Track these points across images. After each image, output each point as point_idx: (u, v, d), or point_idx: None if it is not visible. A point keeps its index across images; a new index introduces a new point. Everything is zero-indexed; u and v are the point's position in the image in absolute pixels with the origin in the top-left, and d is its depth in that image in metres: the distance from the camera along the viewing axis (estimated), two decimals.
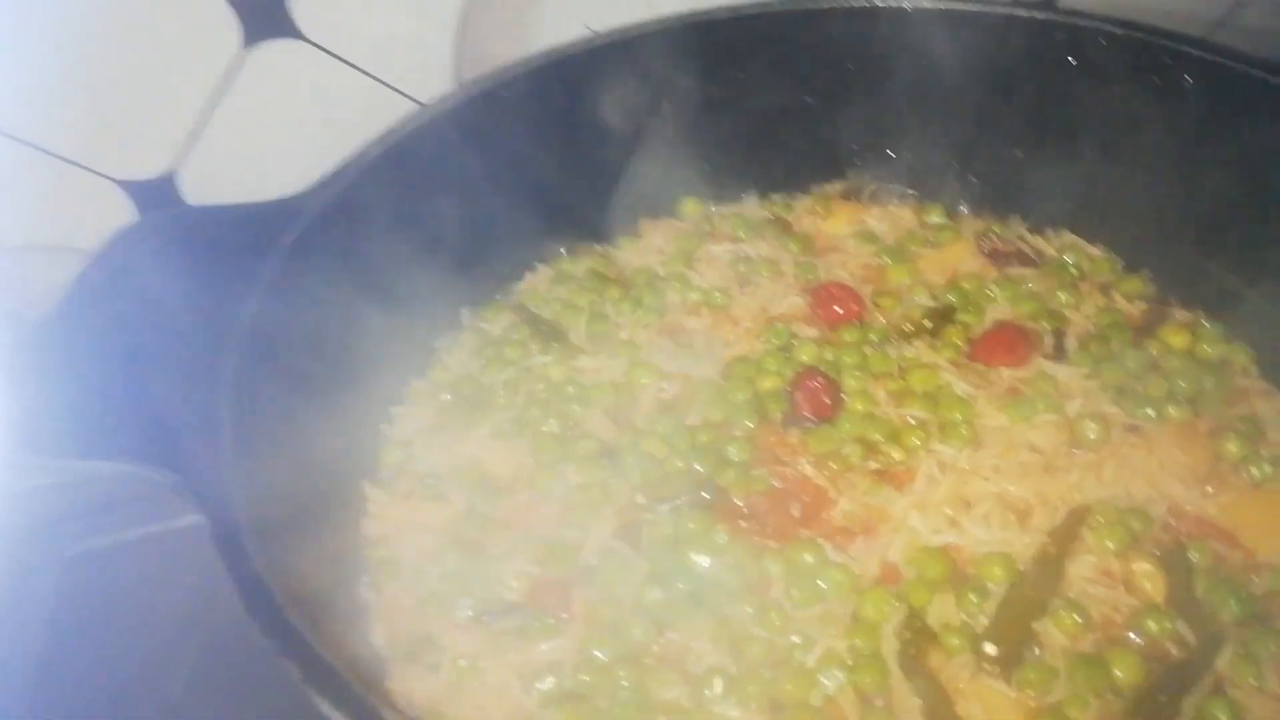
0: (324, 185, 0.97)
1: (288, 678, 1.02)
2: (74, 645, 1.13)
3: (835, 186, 1.28)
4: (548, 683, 0.85)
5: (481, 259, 1.15)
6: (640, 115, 1.18)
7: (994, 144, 1.20)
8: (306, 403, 0.92)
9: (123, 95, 1.18)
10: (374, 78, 1.27)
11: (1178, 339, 1.10)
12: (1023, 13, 1.14)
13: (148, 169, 1.24)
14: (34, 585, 1.17)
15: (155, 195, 1.25)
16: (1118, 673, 0.84)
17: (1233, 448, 1.00)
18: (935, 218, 1.25)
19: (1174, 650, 0.87)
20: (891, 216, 1.25)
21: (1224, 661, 0.85)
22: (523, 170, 1.14)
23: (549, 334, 1.11)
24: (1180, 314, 1.15)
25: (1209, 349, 1.10)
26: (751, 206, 1.26)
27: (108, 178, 1.23)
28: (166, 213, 0.91)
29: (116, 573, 1.18)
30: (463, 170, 1.09)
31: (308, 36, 1.21)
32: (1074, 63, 1.11)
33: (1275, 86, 1.00)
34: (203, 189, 1.27)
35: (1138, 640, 0.87)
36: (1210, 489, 0.98)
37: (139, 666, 1.10)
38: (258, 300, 0.86)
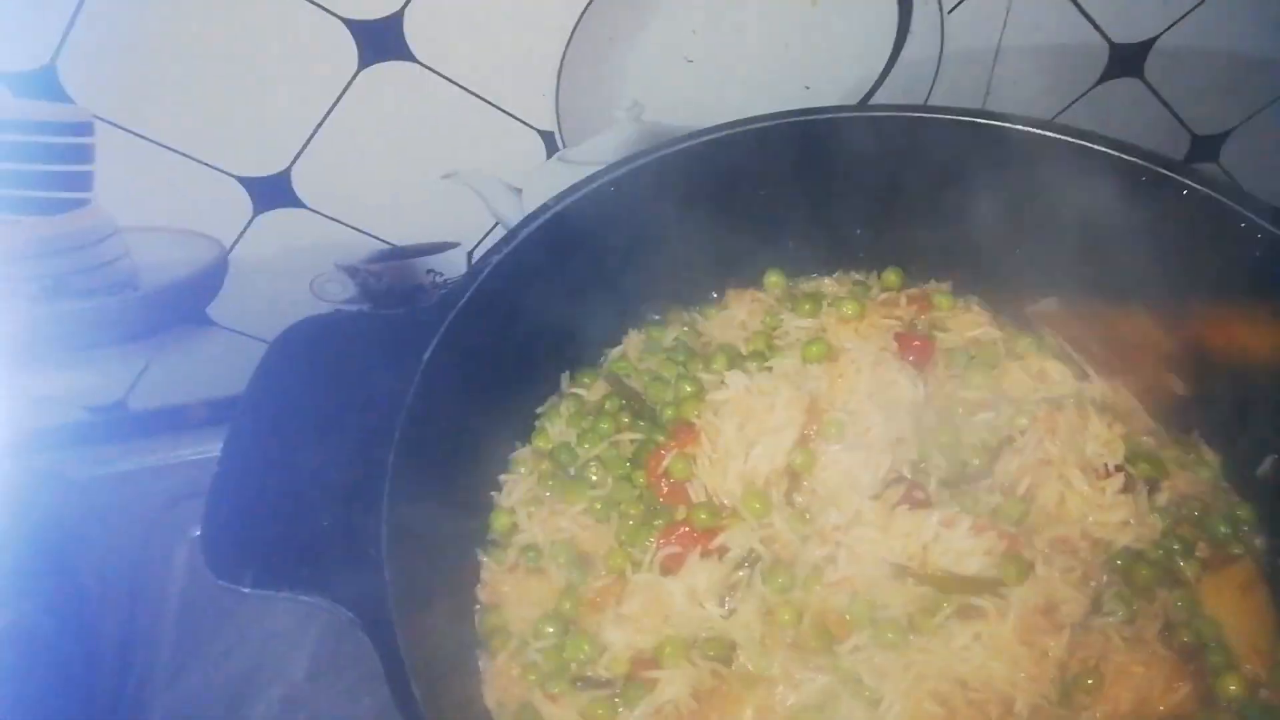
0: (460, 284, 1.08)
1: None
2: (203, 623, 1.30)
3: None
4: None
5: (580, 326, 1.25)
6: (739, 196, 1.26)
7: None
8: (439, 481, 1.05)
9: (249, 105, 1.28)
10: (479, 97, 1.34)
11: None
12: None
13: (265, 168, 1.34)
14: (166, 561, 1.35)
15: (270, 190, 1.37)
16: None
17: None
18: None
19: None
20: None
21: None
22: (623, 242, 1.22)
23: (639, 408, 1.20)
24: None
25: None
26: (829, 284, 1.34)
27: (229, 174, 1.34)
28: (316, 318, 1.01)
29: None
30: (571, 247, 1.18)
31: (419, 59, 1.27)
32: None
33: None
34: (313, 187, 1.38)
35: None
36: None
37: (260, 649, 1.27)
38: (412, 399, 0.98)
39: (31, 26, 1.14)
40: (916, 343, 1.20)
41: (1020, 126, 1.16)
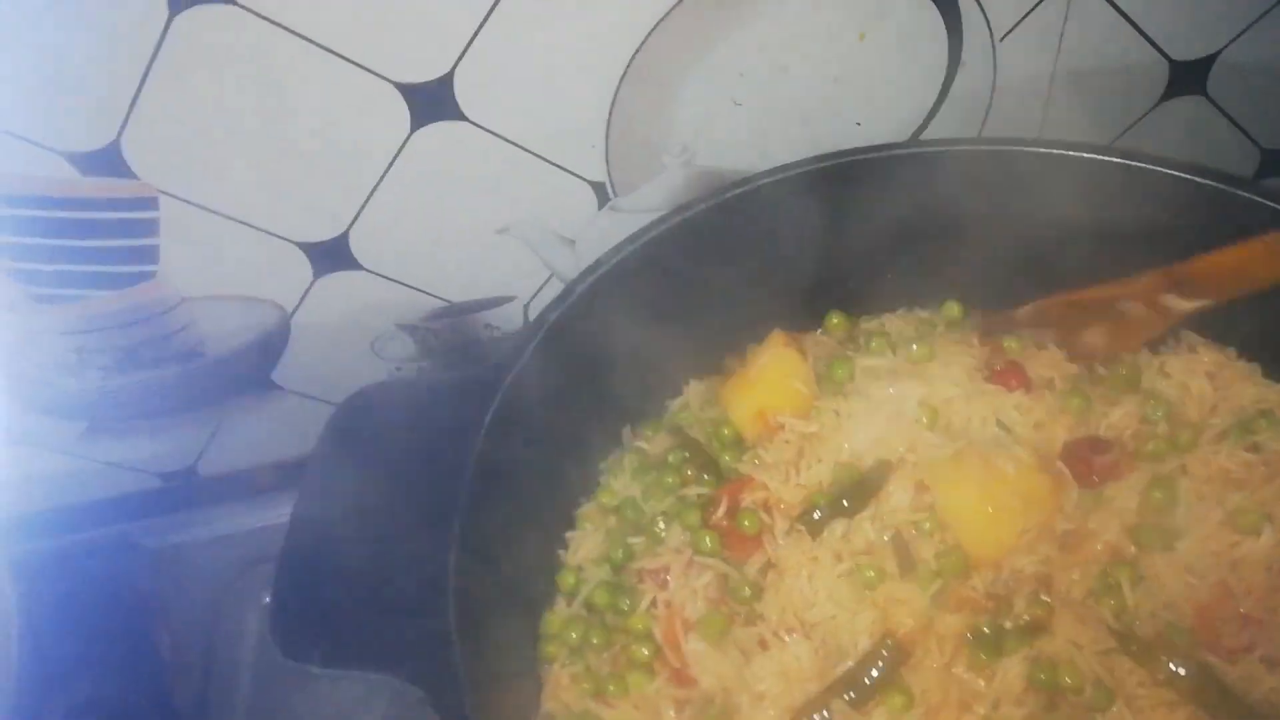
0: (516, 344, 1.08)
1: None
2: (275, 692, 1.30)
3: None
4: None
5: (641, 378, 1.24)
6: (792, 240, 1.24)
7: None
8: (506, 545, 1.04)
9: (307, 172, 1.30)
10: (530, 151, 1.34)
11: None
12: None
13: (323, 233, 1.36)
14: (238, 627, 1.36)
15: (328, 254, 1.38)
16: None
17: None
18: None
19: None
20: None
21: None
22: (678, 292, 1.21)
23: (703, 460, 1.17)
24: None
25: None
26: (894, 320, 1.30)
27: (289, 240, 1.36)
28: (374, 387, 1.02)
29: None
30: (627, 300, 1.17)
31: (470, 118, 1.28)
32: None
33: None
34: (371, 249, 1.39)
35: None
36: None
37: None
38: (474, 466, 0.97)
39: (96, 106, 1.18)
40: (1014, 380, 1.16)
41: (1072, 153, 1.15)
